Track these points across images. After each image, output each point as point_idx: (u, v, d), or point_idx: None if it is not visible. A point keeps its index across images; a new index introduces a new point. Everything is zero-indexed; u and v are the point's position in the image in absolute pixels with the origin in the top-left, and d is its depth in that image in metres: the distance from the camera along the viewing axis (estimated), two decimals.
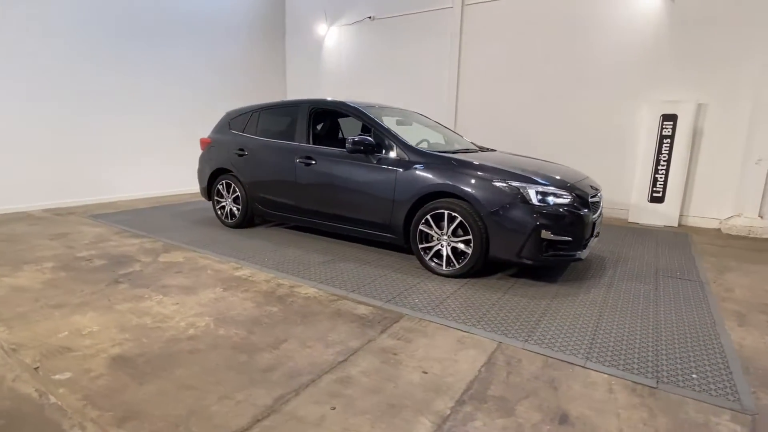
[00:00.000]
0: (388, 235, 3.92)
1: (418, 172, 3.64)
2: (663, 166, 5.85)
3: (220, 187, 5.18)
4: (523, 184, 3.26)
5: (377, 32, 8.27)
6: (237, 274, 3.60)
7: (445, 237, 3.52)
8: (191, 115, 7.78)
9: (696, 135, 5.72)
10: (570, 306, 3.02)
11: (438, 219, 3.54)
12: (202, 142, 5.46)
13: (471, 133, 6.90)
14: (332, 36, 8.91)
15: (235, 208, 5.09)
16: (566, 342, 2.51)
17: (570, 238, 3.25)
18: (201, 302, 3.00)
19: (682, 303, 3.12)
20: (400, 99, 7.24)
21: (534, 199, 3.21)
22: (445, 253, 3.54)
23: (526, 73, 6.82)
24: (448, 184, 3.46)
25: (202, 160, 5.44)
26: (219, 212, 5.28)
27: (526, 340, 2.51)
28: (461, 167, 3.53)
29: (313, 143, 4.47)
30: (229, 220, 5.16)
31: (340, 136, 5.18)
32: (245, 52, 8.80)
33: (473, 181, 3.39)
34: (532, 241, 3.19)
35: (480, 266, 3.44)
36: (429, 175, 3.58)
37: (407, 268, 3.77)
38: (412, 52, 7.89)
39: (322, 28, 8.95)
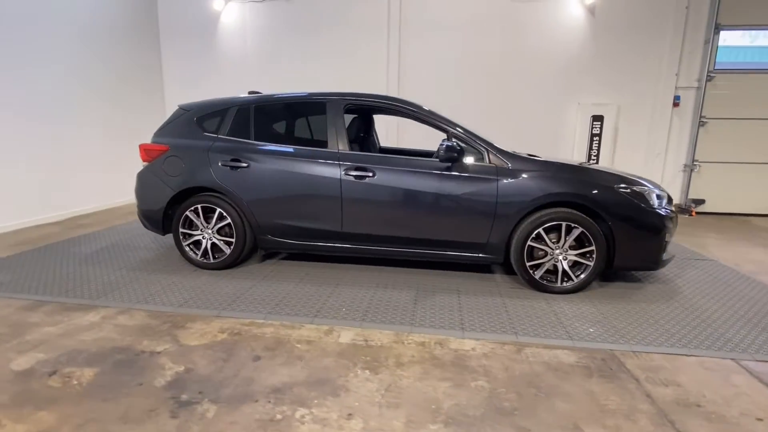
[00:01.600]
0: (482, 255, 3.38)
1: (526, 180, 3.21)
2: (593, 160, 6.76)
3: (192, 214, 3.61)
4: (645, 188, 3.21)
5: (297, 13, 7.10)
6: (347, 341, 2.53)
7: (559, 251, 3.22)
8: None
9: (615, 133, 6.79)
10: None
11: (547, 232, 3.21)
12: (149, 150, 3.69)
13: (411, 132, 6.62)
14: (232, 12, 7.26)
15: (221, 242, 3.62)
16: None
17: (672, 238, 3.37)
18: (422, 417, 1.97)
19: None
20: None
21: (655, 202, 3.20)
22: (561, 268, 3.24)
23: (470, 72, 6.90)
24: (572, 193, 3.15)
25: (150, 176, 3.69)
26: (190, 250, 3.68)
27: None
28: (578, 173, 3.27)
29: (354, 149, 3.49)
30: (211, 260, 3.65)
31: (373, 139, 4.25)
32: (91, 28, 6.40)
33: (596, 187, 3.17)
34: (659, 245, 3.18)
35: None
36: (543, 184, 3.19)
37: (514, 291, 3.33)
38: (345, 44, 7.07)
39: (217, 2, 7.19)
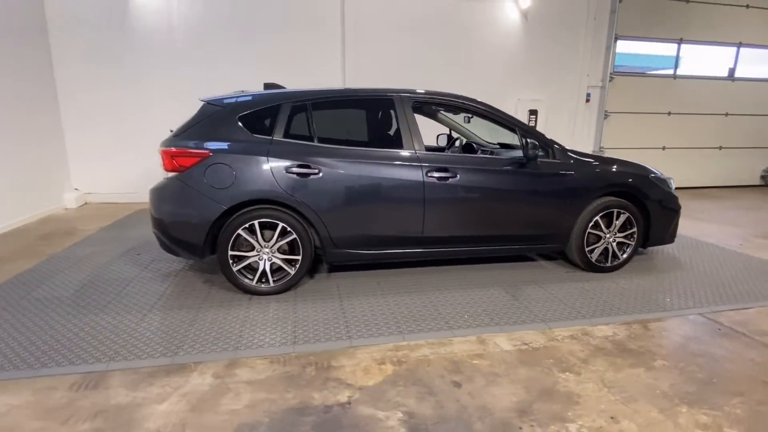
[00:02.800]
0: (549, 245, 3.62)
1: (588, 174, 3.53)
2: None
3: (245, 232, 3.00)
4: (666, 176, 3.83)
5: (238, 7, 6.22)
6: (509, 347, 2.49)
7: (610, 235, 3.66)
8: None
9: (546, 125, 7.75)
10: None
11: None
12: (181, 156, 2.92)
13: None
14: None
15: (282, 261, 3.11)
16: None
17: None
18: None
19: None
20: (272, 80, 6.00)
21: (672, 187, 3.86)
22: (611, 250, 3.69)
23: (421, 70, 7.03)
24: (625, 183, 3.59)
25: (185, 189, 2.94)
26: (243, 276, 3.07)
27: None
28: (623, 166, 3.71)
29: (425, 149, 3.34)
30: (271, 283, 3.11)
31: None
32: None
33: (639, 177, 3.67)
34: (676, 222, 3.86)
35: None
36: (602, 176, 3.56)
37: (574, 275, 3.65)
38: (295, 43, 6.47)
39: None
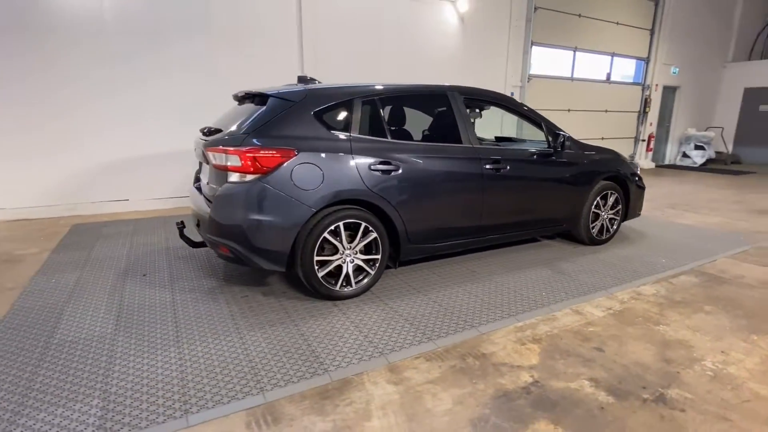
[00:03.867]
0: (563, 226, 4.14)
1: (592, 162, 4.12)
2: None
3: (330, 235, 2.84)
4: (634, 161, 4.67)
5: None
6: (607, 312, 2.87)
7: (605, 213, 4.35)
8: None
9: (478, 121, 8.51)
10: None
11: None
12: (263, 157, 2.61)
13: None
14: None
15: (362, 262, 3.02)
16: None
17: None
18: None
19: None
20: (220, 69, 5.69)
21: (638, 168, 4.72)
22: (605, 226, 4.39)
23: (372, 67, 7.14)
24: (617, 170, 4.28)
25: (269, 193, 2.64)
26: (325, 280, 2.89)
27: None
28: (612, 154, 4.41)
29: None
30: (353, 286, 2.99)
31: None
32: None
33: (623, 164, 4.40)
34: (643, 198, 4.73)
35: None
36: (602, 164, 4.19)
37: (581, 249, 4.25)
38: (246, 42, 5.97)
39: None
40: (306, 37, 6.41)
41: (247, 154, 2.62)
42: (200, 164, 3.43)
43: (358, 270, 3.03)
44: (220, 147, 2.72)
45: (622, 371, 2.24)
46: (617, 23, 9.94)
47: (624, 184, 4.41)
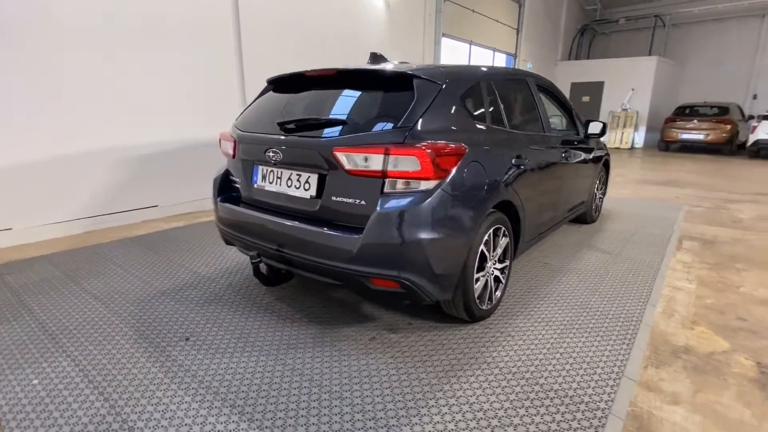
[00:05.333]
0: (583, 207, 4.39)
1: (597, 145, 4.45)
2: None
3: (484, 246, 2.38)
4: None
5: None
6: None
7: (599, 192, 4.80)
8: None
9: None
10: None
11: None
12: (445, 154, 1.97)
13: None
14: None
15: (498, 272, 2.65)
16: None
17: None
18: None
19: None
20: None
21: None
22: (597, 205, 4.85)
23: (309, 49, 6.37)
24: (606, 152, 4.72)
25: (454, 202, 2.06)
26: (477, 297, 2.42)
27: None
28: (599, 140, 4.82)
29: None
30: (490, 303, 2.59)
31: None
32: None
33: (605, 146, 4.89)
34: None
35: None
36: (601, 147, 4.56)
37: (593, 229, 4.61)
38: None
39: None
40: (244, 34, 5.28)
41: (428, 154, 1.97)
42: (250, 167, 2.50)
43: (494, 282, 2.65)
44: (378, 146, 1.98)
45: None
46: (497, 21, 11.03)
47: (608, 164, 4.93)
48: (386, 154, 1.97)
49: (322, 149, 2.11)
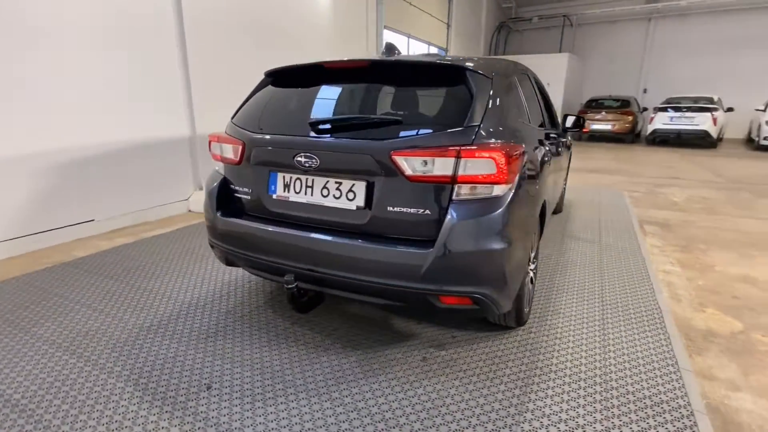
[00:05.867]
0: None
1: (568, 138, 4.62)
2: None
3: None
4: None
5: None
6: None
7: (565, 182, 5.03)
8: None
9: None
10: None
11: None
12: (513, 154, 1.81)
13: (208, 102, 5.17)
14: None
15: (532, 273, 2.57)
16: None
17: None
18: None
19: None
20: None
21: None
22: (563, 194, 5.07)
23: (250, 41, 5.82)
24: (571, 141, 4.93)
25: (522, 208, 1.91)
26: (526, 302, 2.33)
27: None
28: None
29: None
30: (528, 308, 2.52)
31: None
32: None
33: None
34: None
35: None
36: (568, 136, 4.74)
37: (566, 216, 4.80)
38: None
39: None
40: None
41: (504, 155, 1.78)
42: (265, 175, 2.13)
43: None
44: (448, 148, 1.75)
45: None
46: (430, 14, 11.13)
47: (570, 155, 5.17)
48: (457, 157, 1.76)
49: (377, 153, 1.83)
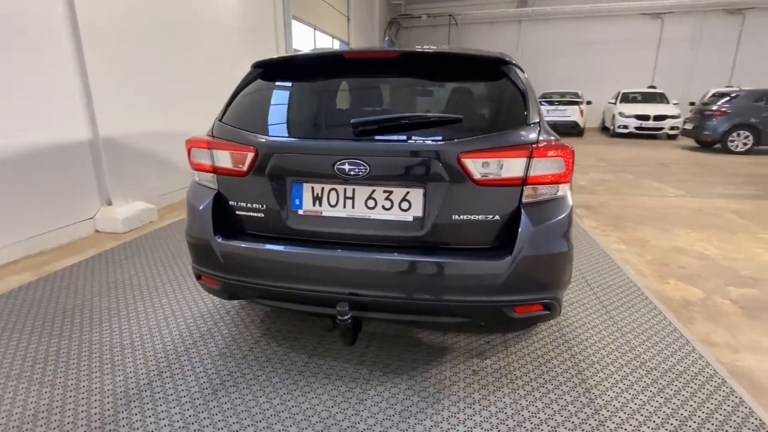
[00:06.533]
0: None
1: None
2: None
3: None
4: None
5: None
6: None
7: None
8: None
9: None
10: None
11: None
12: (571, 149, 1.72)
13: (112, 100, 4.42)
14: None
15: None
16: None
17: None
18: None
19: None
20: None
21: None
22: None
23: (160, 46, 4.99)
24: None
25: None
26: None
27: None
28: None
29: None
30: None
31: None
32: None
33: None
34: None
35: None
36: None
37: None
38: None
39: None
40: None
41: (572, 153, 1.71)
42: (284, 187, 1.78)
43: None
44: (519, 147, 1.62)
45: None
46: (332, 6, 10.83)
47: None
48: (530, 156, 1.65)
49: (444, 156, 1.62)
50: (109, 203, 4.23)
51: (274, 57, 2.04)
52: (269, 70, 2.05)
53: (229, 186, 1.90)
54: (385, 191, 1.73)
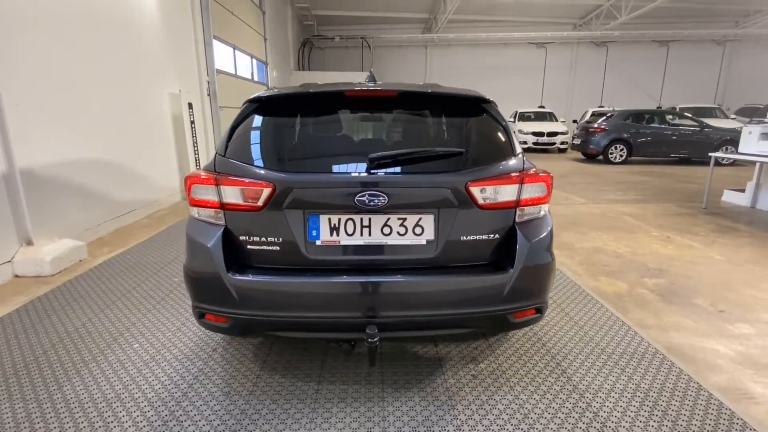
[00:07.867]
0: None
1: None
2: (196, 146, 6.96)
3: None
4: None
5: None
6: None
7: None
8: None
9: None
10: None
11: None
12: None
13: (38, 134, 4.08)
14: None
15: None
16: None
17: None
18: None
19: None
20: None
21: None
22: None
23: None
24: None
25: None
26: None
27: None
28: None
29: None
30: None
31: None
32: None
33: None
34: None
35: None
36: None
37: None
38: None
39: None
40: None
41: (551, 178, 2.03)
42: (302, 219, 1.85)
43: None
44: (512, 175, 1.89)
45: None
46: (250, 26, 10.65)
47: None
48: (521, 183, 1.93)
49: (454, 185, 1.83)
50: (29, 243, 3.73)
51: (272, 93, 2.09)
52: (265, 106, 2.09)
53: (240, 221, 1.89)
54: (399, 218, 1.88)
